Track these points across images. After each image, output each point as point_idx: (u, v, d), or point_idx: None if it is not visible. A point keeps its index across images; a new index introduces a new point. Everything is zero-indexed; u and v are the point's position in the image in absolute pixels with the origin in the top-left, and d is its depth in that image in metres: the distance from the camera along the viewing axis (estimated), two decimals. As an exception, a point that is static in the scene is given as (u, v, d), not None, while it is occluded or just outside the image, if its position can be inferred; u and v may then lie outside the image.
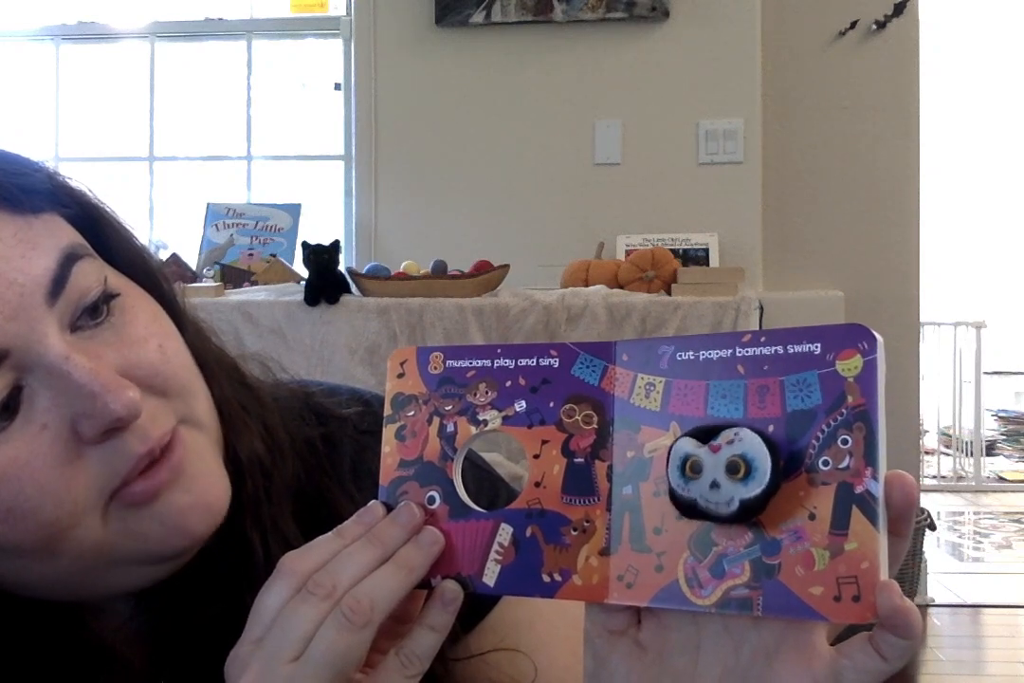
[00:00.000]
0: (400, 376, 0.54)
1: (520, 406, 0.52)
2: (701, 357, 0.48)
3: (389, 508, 0.52)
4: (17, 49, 3.60)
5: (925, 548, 3.03)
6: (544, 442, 0.51)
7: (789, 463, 0.44)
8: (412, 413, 0.54)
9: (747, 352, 0.46)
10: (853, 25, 3.14)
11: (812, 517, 0.43)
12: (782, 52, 3.16)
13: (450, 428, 0.53)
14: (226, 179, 3.52)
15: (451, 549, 0.51)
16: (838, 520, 0.43)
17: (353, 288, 2.52)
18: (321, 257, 2.46)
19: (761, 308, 2.47)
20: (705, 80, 3.10)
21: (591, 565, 0.49)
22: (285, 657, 0.47)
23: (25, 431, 0.50)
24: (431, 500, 0.52)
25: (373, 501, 0.53)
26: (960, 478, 5.35)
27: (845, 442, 0.43)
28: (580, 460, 0.50)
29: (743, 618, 0.46)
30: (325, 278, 2.46)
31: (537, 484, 0.51)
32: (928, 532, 2.98)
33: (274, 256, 3.04)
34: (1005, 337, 6.06)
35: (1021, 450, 5.77)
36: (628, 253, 2.92)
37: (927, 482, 5.07)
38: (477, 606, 0.66)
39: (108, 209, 0.60)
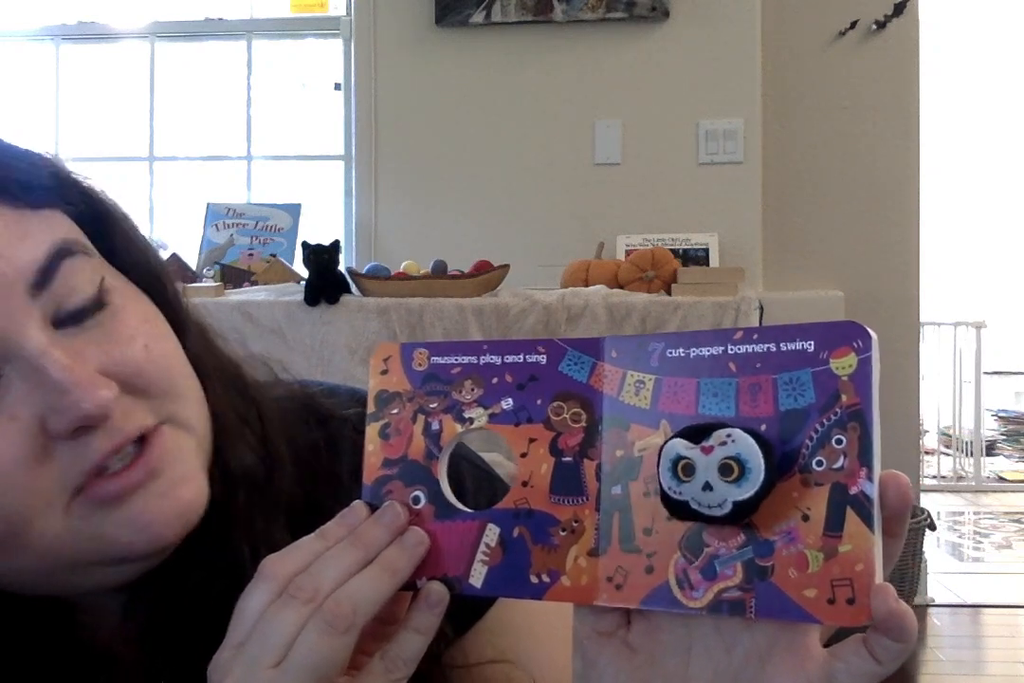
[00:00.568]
0: (384, 373, 0.53)
1: (507, 404, 0.51)
2: (692, 354, 0.47)
3: (373, 508, 0.51)
4: (17, 49, 3.60)
5: (925, 548, 3.03)
6: (531, 440, 0.50)
7: (782, 463, 0.43)
8: (396, 411, 0.53)
9: (739, 349, 0.45)
10: (853, 25, 3.14)
11: (806, 518, 0.43)
12: (782, 52, 3.16)
13: (435, 426, 0.52)
14: (226, 179, 3.52)
15: (437, 550, 0.50)
16: (832, 521, 0.42)
17: (353, 288, 2.52)
18: (321, 257, 2.46)
19: (761, 308, 2.47)
20: (705, 80, 3.10)
21: (580, 566, 0.48)
22: (266, 662, 0.46)
23: None
24: (416, 500, 0.51)
25: (356, 501, 0.52)
26: (960, 478, 5.35)
27: (839, 442, 0.43)
28: (568, 459, 0.49)
29: (735, 619, 0.45)
30: (325, 278, 2.46)
31: (525, 483, 0.50)
32: (928, 532, 2.97)
33: (274, 256, 3.04)
34: (1005, 337, 6.06)
35: (1021, 450, 5.77)
36: (628, 253, 2.92)
37: (927, 482, 5.06)
38: (473, 607, 0.66)
39: (118, 209, 0.60)
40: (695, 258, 2.99)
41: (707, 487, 0.44)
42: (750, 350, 0.45)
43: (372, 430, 0.53)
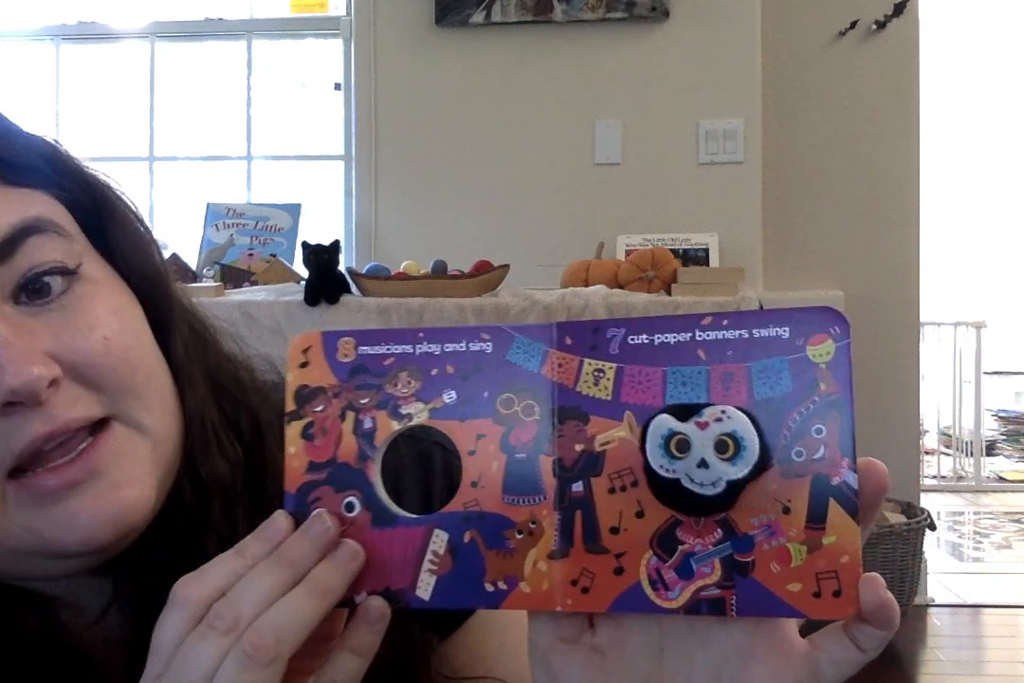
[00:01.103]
0: (303, 366, 0.48)
1: (449, 397, 0.46)
2: (656, 341, 0.44)
3: (298, 520, 0.46)
4: (17, 49, 3.60)
5: (925, 548, 3.02)
6: (479, 437, 0.46)
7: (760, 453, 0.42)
8: (320, 408, 0.47)
9: (708, 336, 0.43)
10: (853, 25, 3.14)
11: (786, 511, 0.42)
12: (782, 52, 3.16)
13: (367, 424, 0.47)
14: (226, 179, 3.53)
15: (377, 561, 0.46)
16: (815, 513, 0.41)
17: (353, 288, 2.52)
18: (321, 257, 2.46)
19: (761, 308, 2.47)
20: (705, 80, 3.10)
21: (540, 570, 0.44)
22: None
23: None
24: (349, 507, 0.46)
25: (278, 511, 0.46)
26: (960, 478, 5.35)
27: (819, 432, 0.41)
28: (522, 455, 0.45)
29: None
30: (325, 278, 2.46)
31: (474, 484, 0.46)
32: (928, 532, 2.97)
33: (274, 256, 3.04)
34: (1005, 337, 6.06)
35: (1021, 450, 5.77)
36: (628, 253, 2.92)
37: (927, 482, 5.06)
38: (453, 613, 0.64)
39: (123, 205, 0.59)
40: (695, 258, 2.99)
41: (703, 464, 0.42)
42: (720, 337, 0.43)
43: (293, 431, 0.47)
